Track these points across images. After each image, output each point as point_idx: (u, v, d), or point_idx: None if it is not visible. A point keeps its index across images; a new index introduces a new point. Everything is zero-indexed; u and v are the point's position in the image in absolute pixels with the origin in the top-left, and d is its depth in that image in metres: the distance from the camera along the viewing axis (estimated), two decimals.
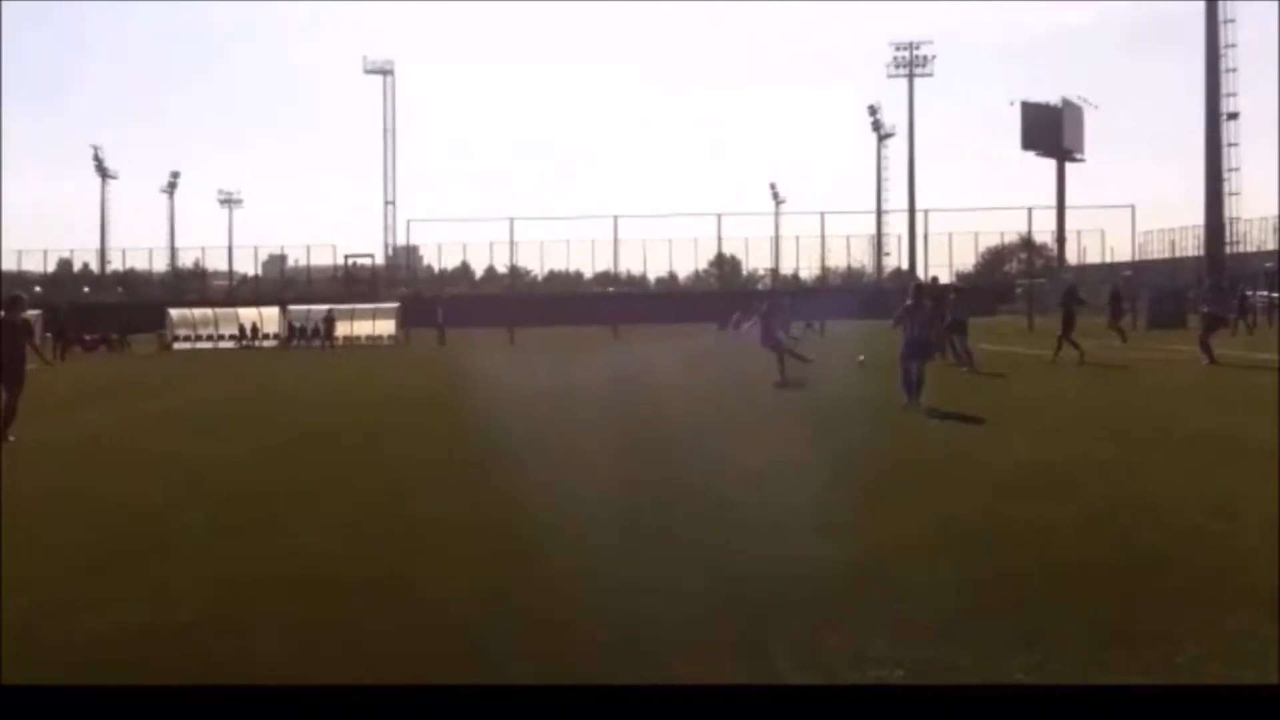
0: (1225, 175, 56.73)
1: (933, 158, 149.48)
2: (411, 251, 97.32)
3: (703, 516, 8.88)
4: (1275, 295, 52.21)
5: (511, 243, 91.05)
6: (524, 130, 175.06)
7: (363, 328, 54.63)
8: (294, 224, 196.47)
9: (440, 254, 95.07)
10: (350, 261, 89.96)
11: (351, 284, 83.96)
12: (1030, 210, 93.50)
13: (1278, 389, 16.89)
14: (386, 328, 55.32)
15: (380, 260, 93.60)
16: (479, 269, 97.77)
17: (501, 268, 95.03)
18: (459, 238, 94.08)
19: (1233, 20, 55.85)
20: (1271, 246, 71.91)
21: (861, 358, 25.34)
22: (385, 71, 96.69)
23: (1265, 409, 14.77)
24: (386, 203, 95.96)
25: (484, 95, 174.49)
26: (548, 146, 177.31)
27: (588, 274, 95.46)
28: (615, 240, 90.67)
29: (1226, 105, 56.41)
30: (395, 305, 59.99)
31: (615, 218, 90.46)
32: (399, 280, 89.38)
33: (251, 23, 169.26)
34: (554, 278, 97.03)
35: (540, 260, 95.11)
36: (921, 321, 17.33)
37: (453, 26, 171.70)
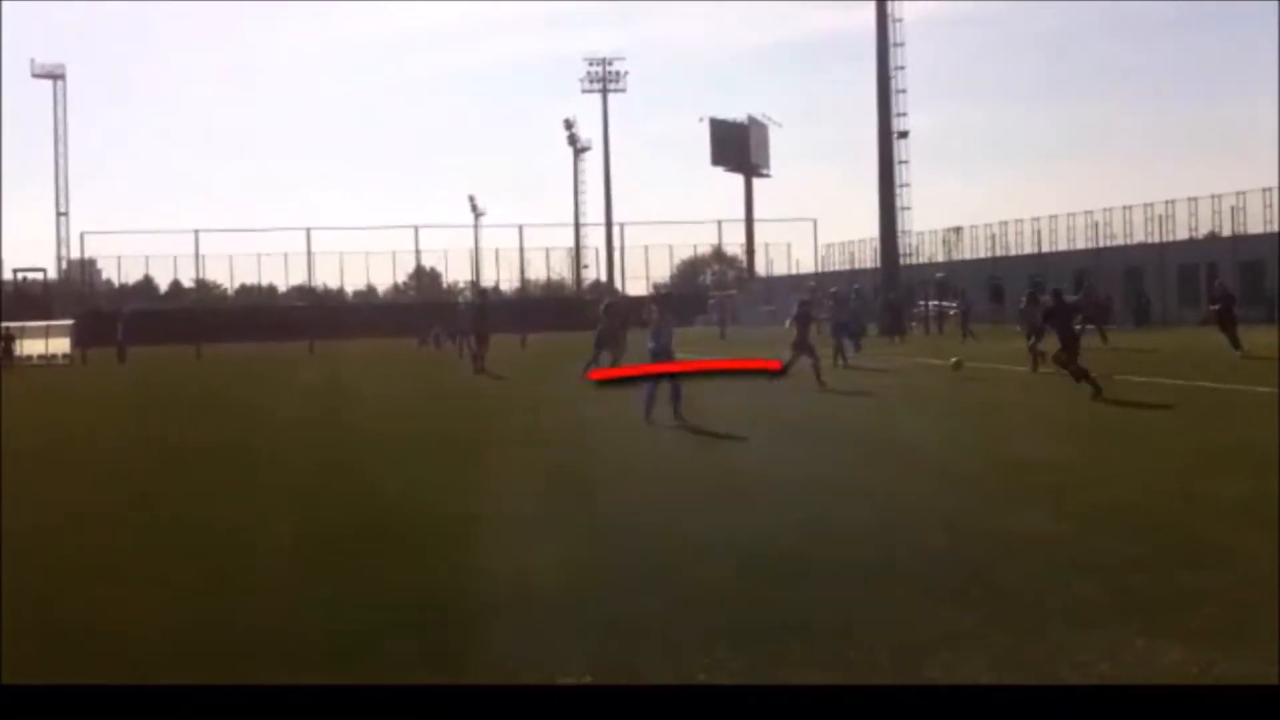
0: (897, 190, 60.10)
1: (628, 171, 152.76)
2: (88, 265, 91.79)
3: None
4: (944, 304, 55.86)
5: (198, 256, 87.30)
6: (209, 139, 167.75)
7: (34, 346, 51.09)
8: None
9: (120, 268, 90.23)
10: (19, 276, 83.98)
11: (22, 300, 78.31)
12: (720, 223, 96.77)
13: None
14: (61, 346, 51.93)
15: (53, 275, 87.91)
16: (163, 283, 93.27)
17: (188, 282, 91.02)
18: (140, 250, 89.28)
19: (902, 44, 59.34)
20: (940, 258, 76.95)
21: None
22: (55, 75, 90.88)
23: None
24: (59, 214, 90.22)
25: (165, 101, 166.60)
26: (234, 156, 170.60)
27: (281, 287, 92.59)
28: (309, 253, 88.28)
29: (897, 124, 59.79)
30: (70, 322, 56.41)
31: (309, 230, 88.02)
32: (75, 295, 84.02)
33: None
34: (245, 292, 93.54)
35: (230, 274, 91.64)
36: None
37: (130, 28, 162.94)
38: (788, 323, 25.80)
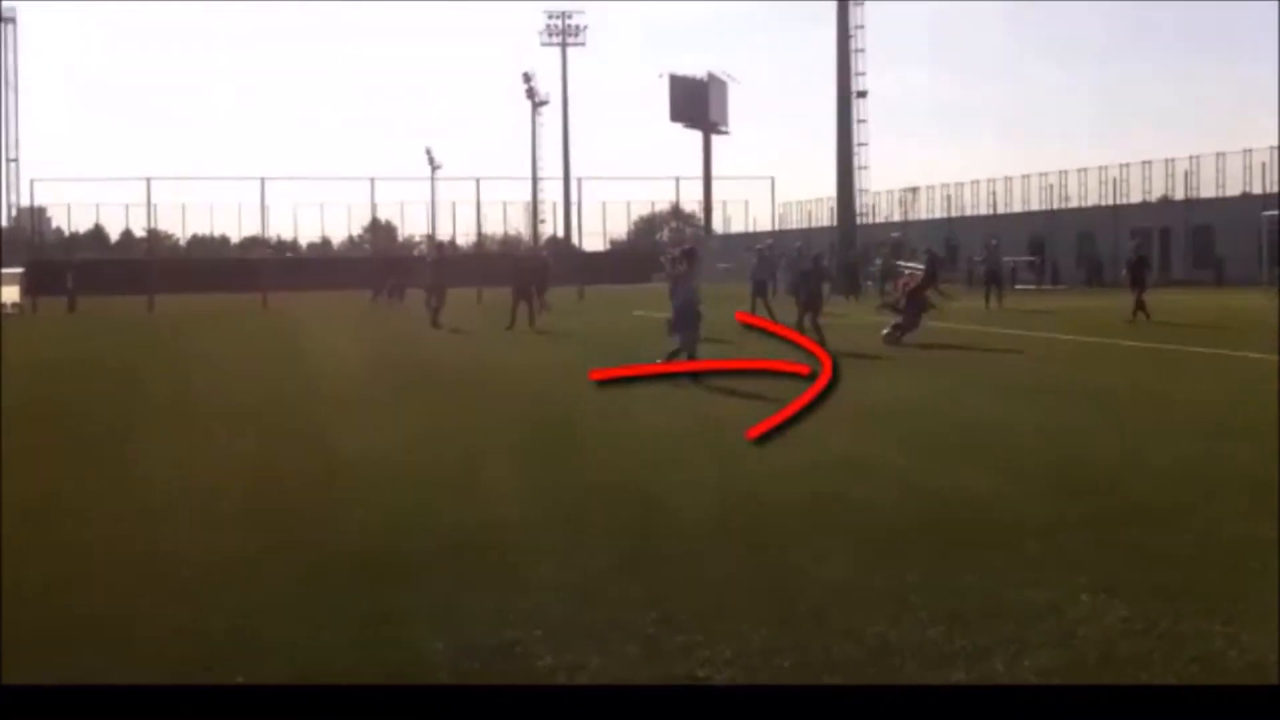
0: (855, 150, 60.04)
1: (586, 126, 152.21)
2: (38, 213, 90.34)
3: None
4: (899, 263, 56.10)
5: (149, 204, 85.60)
6: (162, 88, 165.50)
7: None
8: None
9: (70, 216, 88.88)
10: None
11: None
12: (678, 180, 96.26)
13: None
14: (11, 295, 51.18)
15: (2, 222, 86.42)
16: (114, 232, 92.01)
17: (139, 231, 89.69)
18: (91, 199, 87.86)
19: (862, 2, 59.07)
20: (897, 218, 77.22)
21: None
22: (5, 19, 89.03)
23: None
24: (8, 160, 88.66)
25: (118, 47, 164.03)
26: (188, 105, 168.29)
27: (234, 238, 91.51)
28: (263, 204, 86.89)
29: (856, 84, 59.61)
30: (20, 271, 55.59)
31: (263, 180, 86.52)
32: (24, 243, 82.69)
33: None
34: (198, 242, 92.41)
35: (182, 223, 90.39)
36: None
37: None
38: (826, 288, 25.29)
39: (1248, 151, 58.45)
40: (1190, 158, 61.48)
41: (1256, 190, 56.76)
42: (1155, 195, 64.01)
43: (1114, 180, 65.25)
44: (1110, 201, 64.74)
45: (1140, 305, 27.43)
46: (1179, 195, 62.05)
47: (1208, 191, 60.17)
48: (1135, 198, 64.09)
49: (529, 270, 31.24)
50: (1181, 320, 27.16)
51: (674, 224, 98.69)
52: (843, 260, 51.51)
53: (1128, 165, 65.02)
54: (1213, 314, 29.26)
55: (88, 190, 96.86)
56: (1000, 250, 40.12)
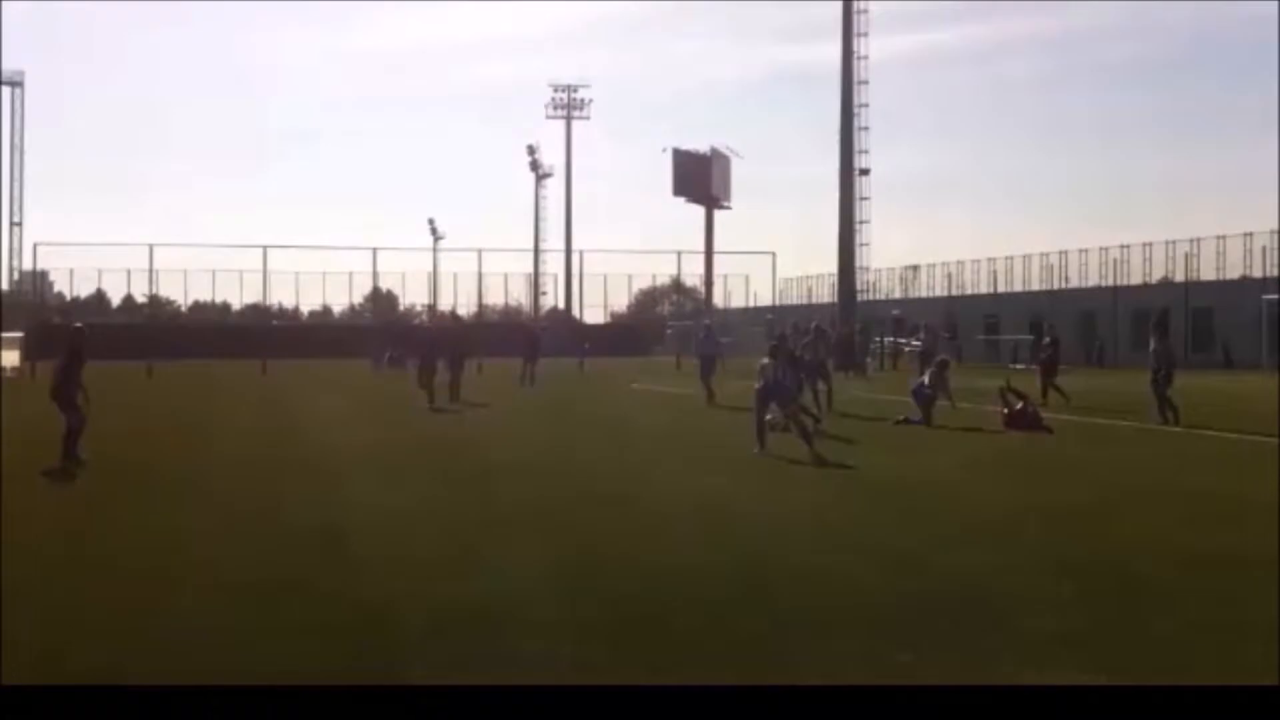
0: (857, 227, 60.35)
1: (589, 199, 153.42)
2: (40, 277, 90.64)
3: None
4: (899, 340, 56.29)
5: (151, 270, 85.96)
6: (166, 153, 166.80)
7: None
8: None
9: (72, 280, 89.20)
10: None
11: None
12: (680, 254, 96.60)
13: None
14: (10, 359, 51.28)
15: (4, 286, 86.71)
16: (116, 298, 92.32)
17: (140, 297, 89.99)
18: (93, 264, 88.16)
19: (866, 81, 59.65)
20: (898, 295, 77.46)
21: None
22: (14, 83, 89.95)
23: None
24: (12, 224, 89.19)
25: (124, 113, 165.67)
26: (192, 172, 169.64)
27: (236, 305, 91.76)
28: (265, 271, 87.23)
29: (859, 161, 60.05)
30: (20, 335, 55.65)
31: (265, 248, 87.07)
32: (26, 307, 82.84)
33: None
34: (199, 308, 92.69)
35: (184, 290, 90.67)
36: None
37: (93, 34, 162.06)
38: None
39: (1248, 235, 58.76)
40: (1191, 240, 61.79)
41: (1256, 274, 56.95)
42: (1156, 276, 64.24)
43: (1114, 261, 65.54)
44: (1111, 282, 64.94)
45: (1054, 387, 27.29)
46: (1179, 277, 62.25)
47: (1208, 274, 60.37)
48: (1136, 279, 64.29)
49: (450, 341, 29.93)
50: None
51: (675, 297, 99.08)
52: (839, 336, 51.58)
53: (1128, 246, 65.36)
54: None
55: (90, 255, 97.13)
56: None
